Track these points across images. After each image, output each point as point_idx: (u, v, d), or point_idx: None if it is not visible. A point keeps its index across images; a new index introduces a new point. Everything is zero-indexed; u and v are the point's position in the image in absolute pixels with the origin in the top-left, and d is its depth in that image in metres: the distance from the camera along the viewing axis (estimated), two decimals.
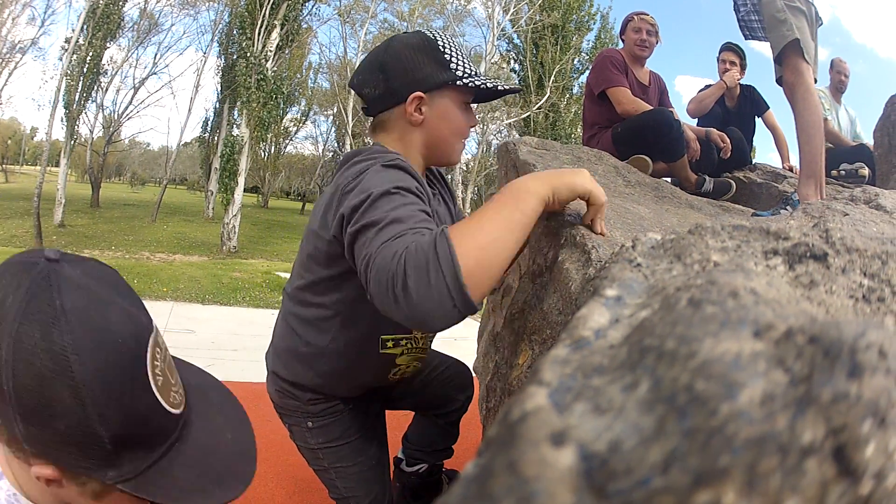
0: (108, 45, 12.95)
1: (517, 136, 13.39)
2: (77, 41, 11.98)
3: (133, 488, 0.52)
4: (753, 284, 0.33)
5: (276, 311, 1.14)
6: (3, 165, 29.14)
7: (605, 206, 0.80)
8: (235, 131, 12.85)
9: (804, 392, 0.23)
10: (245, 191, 13.02)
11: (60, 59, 13.03)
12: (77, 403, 0.48)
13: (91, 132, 15.31)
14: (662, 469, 0.21)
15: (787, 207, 1.56)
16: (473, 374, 1.40)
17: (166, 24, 16.52)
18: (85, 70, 12.33)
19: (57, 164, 13.44)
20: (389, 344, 1.01)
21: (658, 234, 0.54)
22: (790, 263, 0.43)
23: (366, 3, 14.70)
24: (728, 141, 2.30)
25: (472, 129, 1.05)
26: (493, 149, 15.16)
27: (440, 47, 0.94)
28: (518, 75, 14.91)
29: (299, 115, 20.40)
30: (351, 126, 14.20)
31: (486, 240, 0.64)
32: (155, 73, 16.46)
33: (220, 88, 14.57)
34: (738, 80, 2.70)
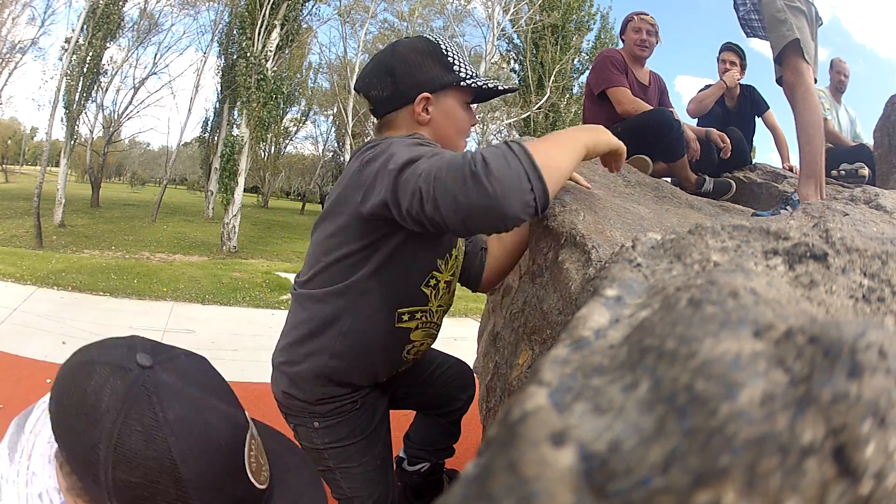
0: (108, 45, 12.94)
1: (517, 135, 13.39)
2: (77, 41, 11.98)
3: None
4: (753, 284, 0.33)
5: (276, 311, 1.14)
6: (3, 165, 29.14)
7: (624, 153, 0.96)
8: (235, 131, 12.85)
9: (804, 392, 0.23)
10: (245, 191, 13.02)
11: (60, 59, 13.03)
12: (180, 495, 0.51)
13: (91, 132, 15.31)
14: (662, 469, 0.21)
15: (787, 207, 1.56)
16: (474, 374, 1.40)
17: (166, 24, 16.48)
18: (85, 70, 12.32)
19: (57, 164, 13.44)
20: (405, 317, 1.02)
21: (658, 234, 0.54)
22: (790, 263, 0.43)
23: (366, 3, 14.70)
24: (728, 141, 2.30)
25: (472, 128, 1.10)
26: None
27: (443, 51, 1.00)
28: (518, 75, 14.90)
29: (299, 115, 20.40)
30: (351, 126, 14.20)
31: (551, 150, 0.75)
32: (155, 73, 16.46)
33: (220, 88, 14.57)
34: (738, 80, 2.70)
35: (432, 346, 1.18)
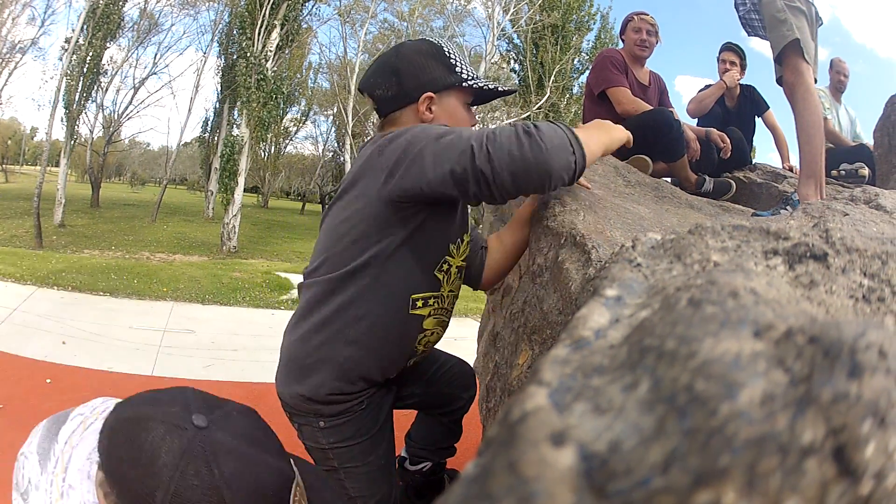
0: (108, 45, 12.92)
1: None
2: (77, 41, 11.97)
3: None
4: (753, 284, 0.33)
5: (276, 311, 1.14)
6: (3, 165, 29.12)
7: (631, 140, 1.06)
8: (235, 131, 12.85)
9: (804, 392, 0.23)
10: (245, 191, 13.01)
11: (60, 59, 13.03)
12: None
13: (91, 132, 15.29)
14: (662, 469, 0.21)
15: (787, 207, 1.56)
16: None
17: (166, 24, 16.47)
18: (85, 70, 12.30)
19: (57, 164, 13.42)
20: (419, 303, 1.02)
21: (658, 234, 0.54)
22: (790, 263, 0.43)
23: (366, 3, 14.68)
24: (728, 141, 2.30)
25: (472, 128, 1.12)
26: None
27: (446, 53, 1.05)
28: (518, 75, 14.90)
29: (299, 115, 20.37)
30: (351, 126, 14.20)
31: (587, 132, 0.89)
32: (155, 73, 16.44)
33: (220, 88, 14.56)
34: (738, 80, 2.70)
35: (435, 346, 1.18)
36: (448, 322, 1.14)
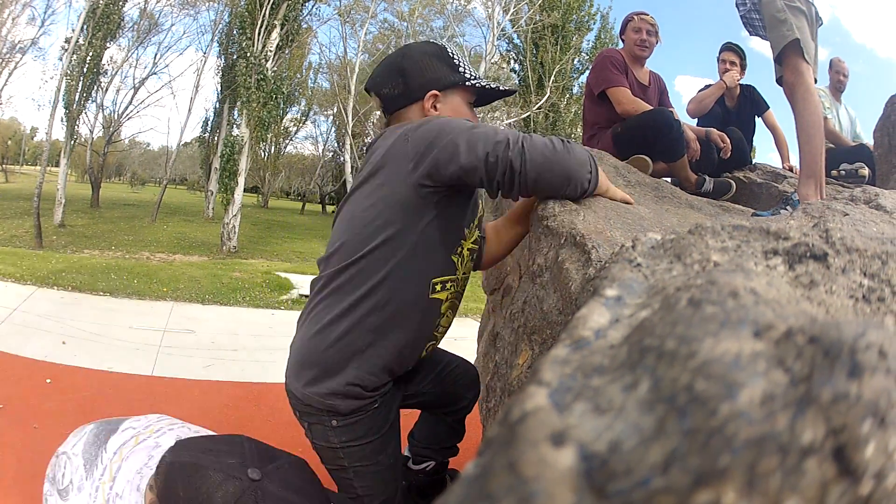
0: (108, 45, 12.93)
1: None
2: (77, 41, 11.98)
3: None
4: (753, 284, 0.33)
5: (276, 311, 1.13)
6: (3, 165, 29.11)
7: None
8: (235, 131, 12.85)
9: (804, 392, 0.23)
10: (245, 191, 13.01)
11: (60, 59, 13.03)
12: None
13: (91, 132, 15.29)
14: (662, 469, 0.21)
15: (787, 207, 1.56)
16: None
17: (166, 24, 16.47)
18: (85, 70, 12.31)
19: (57, 164, 13.42)
20: (438, 287, 1.04)
21: (658, 234, 0.54)
22: (790, 263, 0.43)
23: (366, 3, 14.69)
24: (728, 141, 2.30)
25: None
26: None
27: (449, 54, 1.11)
28: (518, 75, 14.90)
29: (299, 115, 20.37)
30: (351, 126, 14.20)
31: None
32: (155, 73, 16.44)
33: (220, 88, 14.56)
34: (738, 80, 2.70)
35: (437, 346, 1.18)
36: (458, 306, 1.16)
